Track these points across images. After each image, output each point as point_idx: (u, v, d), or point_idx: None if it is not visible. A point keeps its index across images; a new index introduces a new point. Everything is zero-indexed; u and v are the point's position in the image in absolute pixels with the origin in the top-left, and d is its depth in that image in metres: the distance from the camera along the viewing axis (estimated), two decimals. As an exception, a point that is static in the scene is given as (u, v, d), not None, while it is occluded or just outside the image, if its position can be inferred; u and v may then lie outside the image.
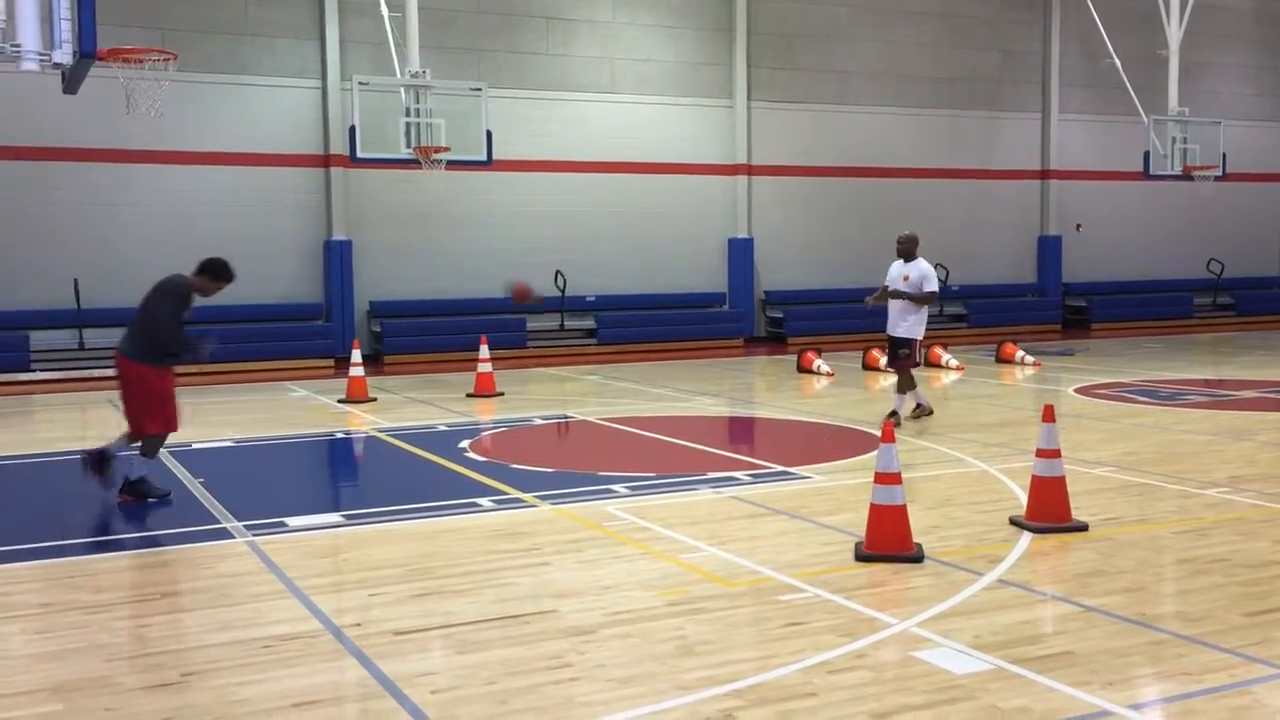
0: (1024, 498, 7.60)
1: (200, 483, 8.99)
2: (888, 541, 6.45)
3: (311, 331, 19.25)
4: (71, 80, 10.31)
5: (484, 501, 8.20)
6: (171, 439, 11.20)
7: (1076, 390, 14.34)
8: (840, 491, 8.35)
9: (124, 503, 8.25)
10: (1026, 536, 6.90)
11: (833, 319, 22.62)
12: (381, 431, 11.73)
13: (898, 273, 11.89)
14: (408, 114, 16.97)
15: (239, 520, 7.64)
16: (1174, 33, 22.35)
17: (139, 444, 8.41)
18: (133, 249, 18.33)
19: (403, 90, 17.11)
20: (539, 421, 12.45)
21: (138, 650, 5.12)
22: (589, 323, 21.41)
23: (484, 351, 14.81)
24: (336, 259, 19.48)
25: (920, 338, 11.83)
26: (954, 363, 17.26)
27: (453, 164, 17.54)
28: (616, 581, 6.09)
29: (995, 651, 4.92)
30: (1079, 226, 25.66)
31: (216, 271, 8.72)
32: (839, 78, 23.40)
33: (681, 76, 22.07)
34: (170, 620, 5.55)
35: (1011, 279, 25.21)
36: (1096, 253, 25.89)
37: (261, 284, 19.18)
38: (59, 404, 14.85)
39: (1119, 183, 25.47)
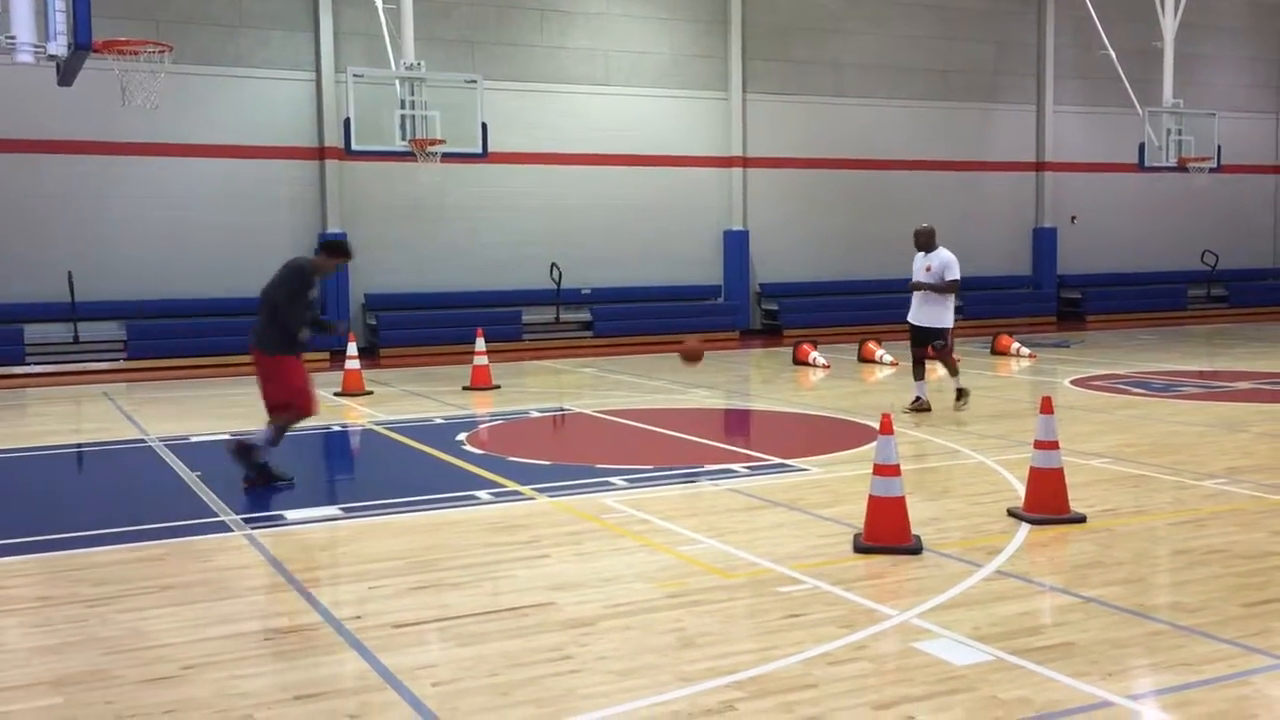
0: (1021, 489, 7.62)
1: (197, 475, 8.97)
2: (886, 533, 6.46)
3: (306, 324, 19.20)
4: (66, 72, 10.26)
5: (482, 494, 8.19)
6: (169, 431, 11.24)
7: (1072, 382, 14.36)
8: (838, 483, 8.36)
9: (249, 487, 8.42)
10: (1024, 528, 6.91)
11: (828, 311, 22.67)
12: (378, 424, 11.72)
13: (920, 264, 11.97)
14: (402, 106, 16.92)
15: (237, 513, 7.64)
16: (1169, 24, 22.35)
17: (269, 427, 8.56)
18: (127, 242, 18.31)
19: (397, 82, 17.07)
20: (535, 414, 12.45)
21: (137, 643, 5.11)
22: (584, 315, 21.40)
23: (480, 344, 14.79)
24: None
25: (950, 325, 11.92)
26: (925, 364, 17.20)
27: (448, 156, 17.50)
28: (616, 574, 6.09)
29: (995, 643, 4.93)
30: (1074, 218, 25.69)
31: (334, 249, 8.87)
32: (833, 70, 23.39)
33: (676, 68, 22.05)
34: (169, 613, 5.54)
35: (1006, 271, 25.24)
36: (1091, 244, 25.93)
37: (255, 277, 18.88)
38: (54, 397, 14.81)
39: (1113, 174, 25.51)
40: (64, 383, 16.26)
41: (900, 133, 23.96)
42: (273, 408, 8.56)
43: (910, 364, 12.30)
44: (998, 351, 17.87)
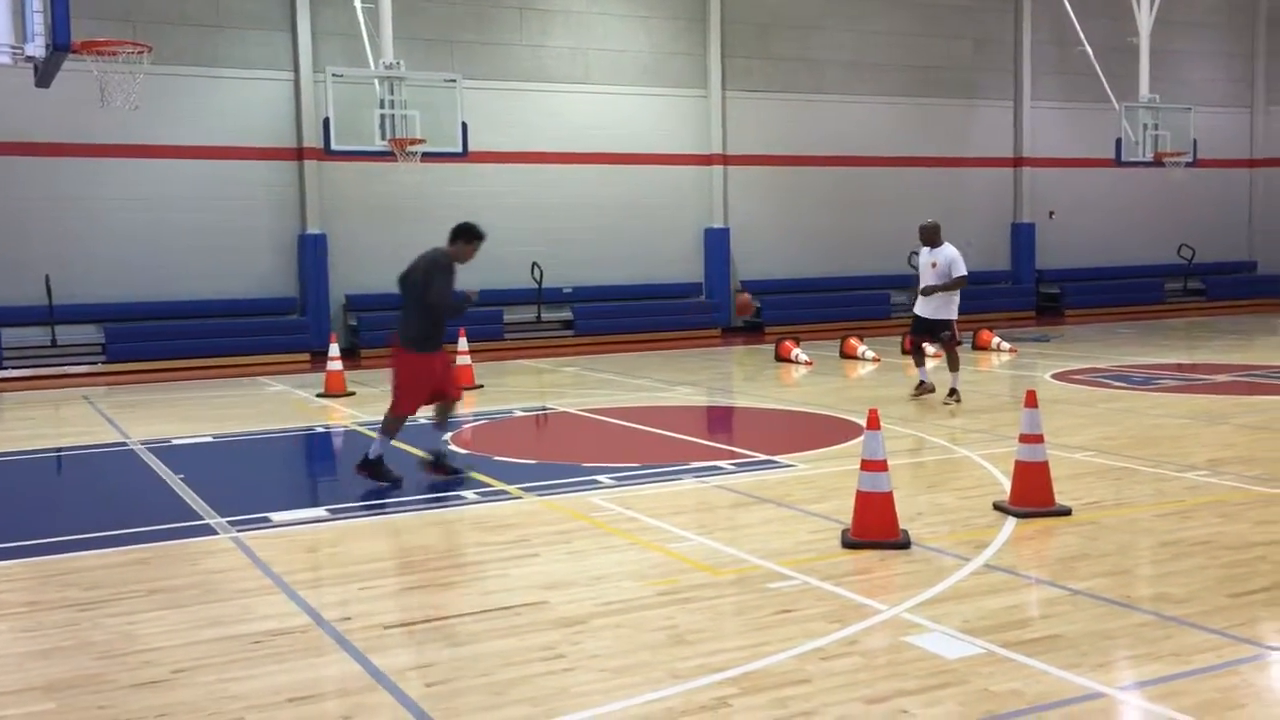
0: (1006, 483, 7.66)
1: (181, 479, 8.92)
2: (874, 528, 6.48)
3: (287, 326, 19.14)
4: (44, 74, 10.19)
5: (469, 494, 8.18)
6: (150, 435, 11.17)
7: (1053, 376, 14.45)
8: (824, 479, 8.38)
9: (363, 475, 8.49)
10: (1011, 521, 6.95)
11: (810, 308, 22.72)
12: (362, 425, 11.68)
13: (926, 260, 12.20)
14: (382, 106, 16.87)
15: (222, 516, 7.59)
16: (1144, 19, 22.52)
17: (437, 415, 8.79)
18: (105, 245, 18.18)
19: (377, 82, 17.01)
20: (519, 413, 12.43)
21: (128, 647, 5.08)
22: (566, 314, 21.38)
23: (462, 344, 14.76)
24: (311, 252, 19.36)
25: (955, 317, 12.18)
26: (930, 350, 17.29)
27: (428, 156, 17.47)
28: (606, 572, 6.09)
29: (985, 635, 4.96)
30: (1051, 214, 25.83)
31: (468, 234, 8.89)
32: (813, 67, 23.44)
33: (656, 66, 22.05)
34: (158, 617, 5.51)
35: (986, 266, 25.33)
36: (1069, 239, 26.08)
37: (235, 278, 19.06)
38: (32, 402, 14.69)
39: (1091, 169, 25.65)
40: (42, 387, 16.14)
41: (880, 129, 24.04)
42: (410, 402, 8.69)
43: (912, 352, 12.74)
44: (979, 347, 17.95)
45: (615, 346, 20.24)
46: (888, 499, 6.51)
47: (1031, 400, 7.21)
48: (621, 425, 11.44)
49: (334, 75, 16.92)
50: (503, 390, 14.36)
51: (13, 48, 9.30)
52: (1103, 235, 26.45)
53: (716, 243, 22.58)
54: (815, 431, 10.88)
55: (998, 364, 16.33)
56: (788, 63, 23.19)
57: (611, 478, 8.57)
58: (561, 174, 21.28)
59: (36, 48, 9.29)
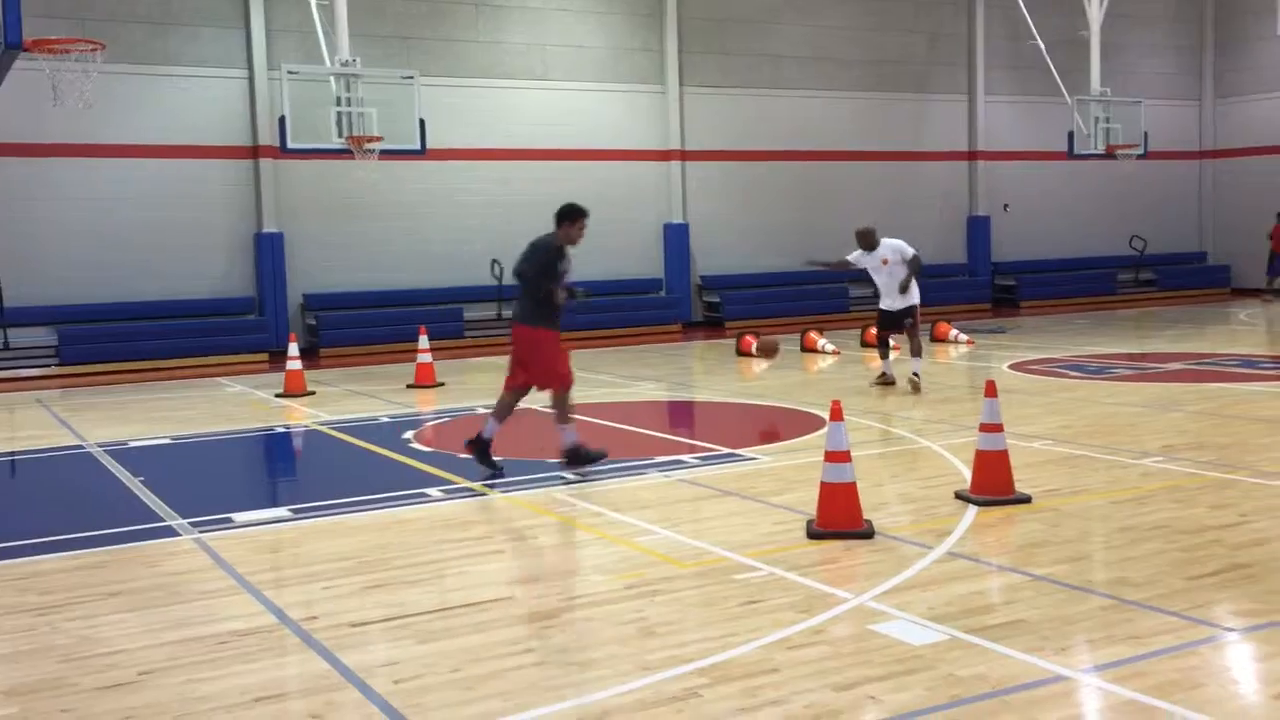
0: (967, 472, 7.74)
1: (140, 481, 8.82)
2: (839, 518, 6.54)
3: (244, 326, 18.97)
4: (-7, 72, 10.03)
5: (433, 491, 8.15)
6: (108, 437, 11.04)
7: (1010, 366, 14.61)
8: (787, 471, 8.44)
9: (566, 465, 8.56)
10: (972, 510, 7.03)
11: (770, 302, 22.82)
12: (323, 425, 11.61)
13: (875, 260, 12.52)
14: (338, 103, 16.73)
15: (184, 518, 7.52)
16: (1094, 14, 22.81)
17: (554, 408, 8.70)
18: (56, 246, 17.93)
19: (333, 79, 16.88)
20: (482, 410, 12.38)
21: (91, 650, 5.02)
22: (526, 311, 21.30)
23: (423, 342, 14.71)
24: (268, 252, 19.20)
25: (918, 302, 12.60)
26: (891, 342, 17.43)
27: (385, 153, 17.35)
28: (572, 566, 6.11)
29: (950, 622, 5.02)
30: (1006, 206, 26.10)
31: (570, 215, 8.77)
32: (769, 62, 23.53)
33: (613, 62, 22.05)
34: (122, 620, 5.45)
35: (943, 259, 25.57)
36: (1023, 231, 26.36)
37: (191, 279, 18.86)
38: (-15, 405, 14.46)
39: (1044, 162, 25.95)
40: (-5, 390, 15.88)
41: (837, 124, 24.18)
42: (538, 382, 8.67)
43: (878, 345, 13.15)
44: (936, 339, 18.12)
45: (576, 342, 20.20)
46: (851, 489, 6.56)
47: (991, 390, 7.29)
48: (583, 421, 11.42)
49: (289, 73, 16.75)
50: (465, 388, 14.32)
51: (-39, 46, 9.15)
52: (1057, 227, 26.77)
53: (676, 238, 22.62)
54: (777, 425, 10.95)
55: (955, 356, 16.49)
56: (744, 58, 23.27)
57: (575, 473, 8.57)
58: (520, 170, 21.23)
59: (-14, 46, 9.15)
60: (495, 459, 8.66)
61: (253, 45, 19.01)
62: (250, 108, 19.14)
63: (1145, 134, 23.35)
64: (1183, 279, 27.63)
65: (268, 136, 18.78)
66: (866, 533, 6.49)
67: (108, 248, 18.31)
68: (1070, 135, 22.93)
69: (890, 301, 12.57)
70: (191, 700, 4.43)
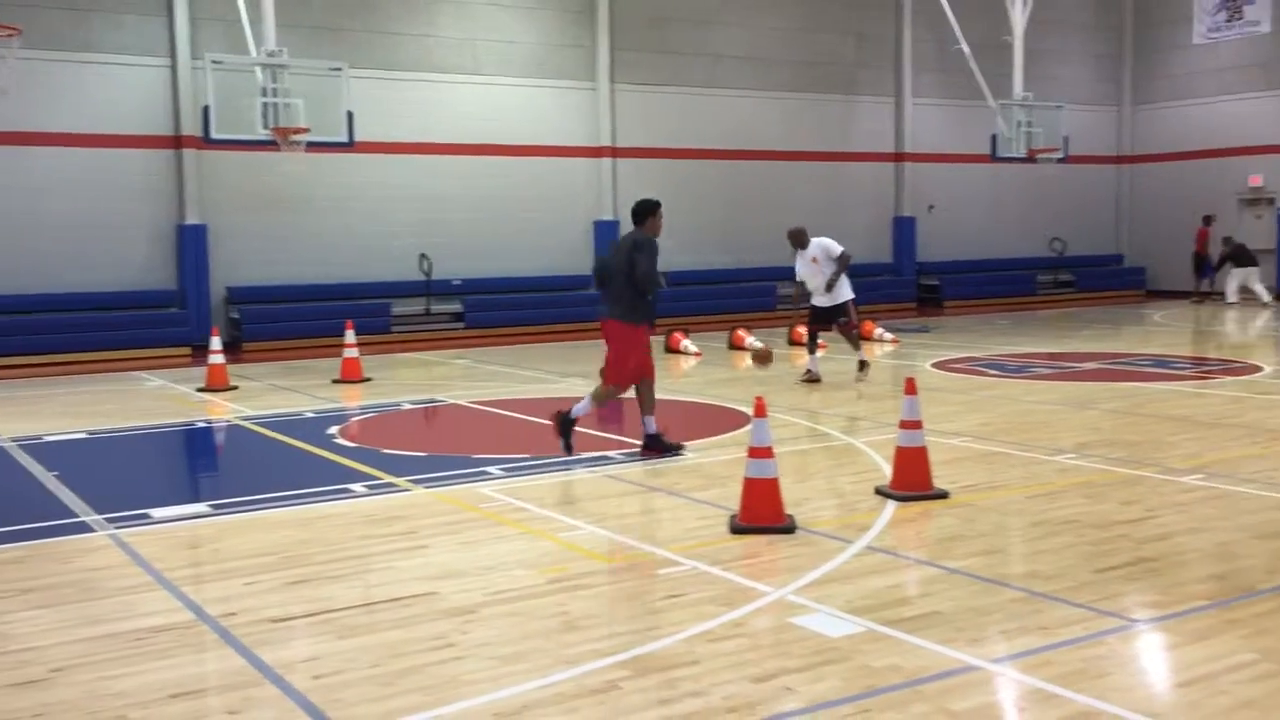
0: (888, 469, 7.88)
1: (55, 476, 8.64)
2: (761, 514, 6.62)
3: (165, 319, 18.61)
4: (-98, 55, 9.74)
5: (356, 487, 8.10)
6: (21, 432, 10.79)
7: (933, 365, 14.87)
8: (712, 467, 8.51)
9: (646, 456, 8.86)
10: (892, 505, 7.16)
11: (699, 300, 22.93)
12: (245, 420, 11.45)
13: (806, 258, 12.89)
14: (264, 94, 16.51)
15: (99, 513, 7.39)
16: (1018, 19, 23.26)
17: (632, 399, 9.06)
18: (-30, 234, 17.44)
19: (258, 69, 16.64)
20: (408, 406, 12.32)
21: (3, 648, 4.91)
22: (455, 306, 21.22)
23: (349, 337, 14.56)
24: (191, 244, 18.87)
25: (851, 298, 13.00)
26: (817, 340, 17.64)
27: (313, 145, 17.16)
28: (496, 561, 6.11)
29: (867, 614, 5.12)
30: (931, 207, 26.52)
31: (649, 210, 9.22)
32: (701, 61, 23.65)
33: (545, 58, 22.00)
34: (33, 616, 5.34)
35: (869, 258, 25.88)
36: (948, 233, 26.81)
37: (110, 271, 18.48)
38: (-108, 399, 14.02)
39: (969, 165, 26.40)
40: (-97, 383, 15.42)
41: (767, 124, 24.37)
42: (619, 375, 8.98)
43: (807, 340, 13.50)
44: (862, 337, 18.33)
45: (505, 339, 20.19)
46: (774, 485, 6.65)
47: (911, 388, 7.43)
48: (512, 417, 11.43)
49: (213, 62, 16.48)
50: (391, 383, 14.22)
51: None
52: (980, 229, 27.26)
53: (607, 235, 22.61)
54: (703, 421, 11.03)
55: (880, 354, 16.73)
56: (676, 56, 23.36)
57: (502, 469, 8.58)
58: (450, 165, 21.10)
59: (-106, 28, 8.87)
60: (571, 441, 8.87)
61: (176, 33, 18.66)
62: (173, 97, 18.79)
63: (1065, 138, 23.88)
64: (1100, 280, 28.30)
65: (191, 126, 18.45)
66: (788, 528, 6.58)
67: (23, 238, 17.86)
68: (993, 138, 23.38)
69: (820, 299, 12.88)
70: (105, 697, 4.36)
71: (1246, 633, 4.82)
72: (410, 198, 20.73)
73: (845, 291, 12.90)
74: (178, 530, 7.04)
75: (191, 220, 18.87)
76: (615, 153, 22.71)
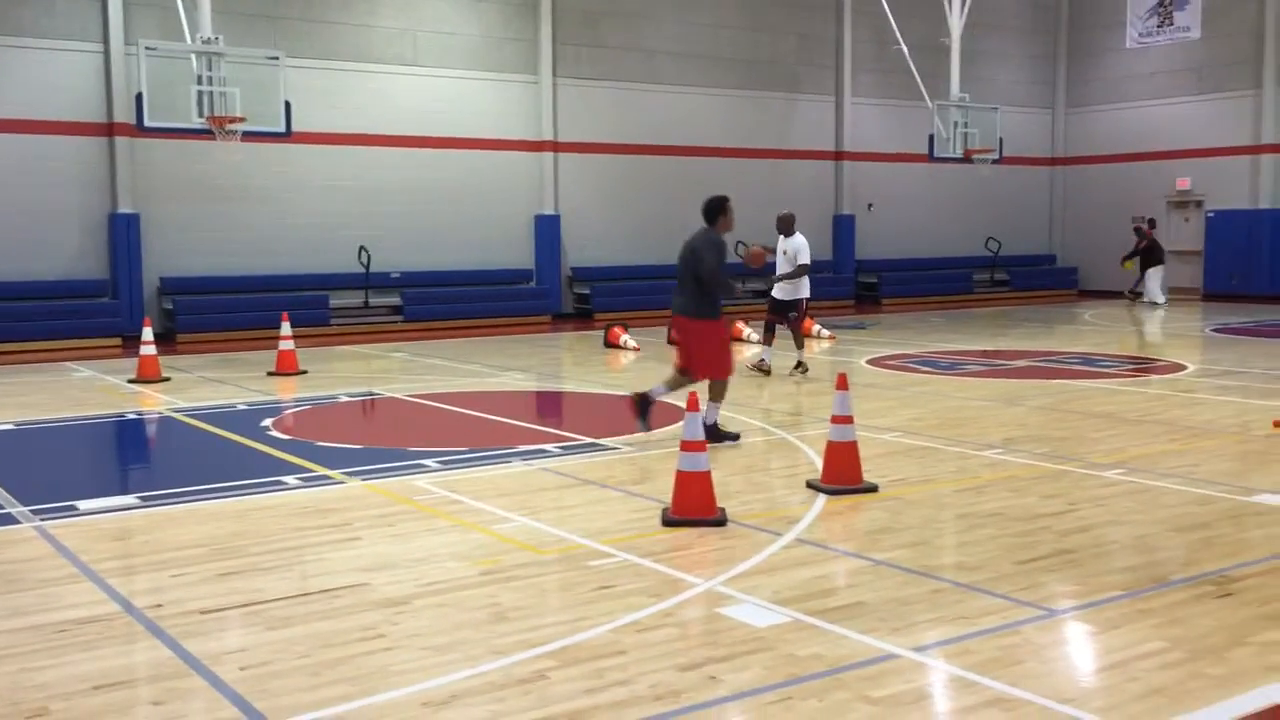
0: (820, 463, 7.99)
1: (-21, 468, 8.49)
2: (693, 506, 6.69)
3: (96, 309, 18.32)
4: None
5: (290, 479, 8.05)
6: (-56, 423, 10.57)
7: (868, 361, 15.07)
8: (647, 461, 8.58)
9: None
10: (822, 498, 7.27)
11: (639, 295, 23.01)
12: (177, 412, 11.32)
13: (779, 249, 13.55)
14: (200, 82, 16.27)
15: (24, 505, 7.28)
16: (955, 21, 23.59)
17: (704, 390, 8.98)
18: (-108, 221, 17.02)
19: (194, 57, 16.40)
20: (345, 399, 12.25)
21: (-82, 641, 4.85)
22: (394, 299, 21.11)
23: (285, 329, 14.43)
24: (123, 233, 18.57)
25: (806, 297, 13.63)
26: (755, 336, 17.82)
27: (249, 135, 16.95)
28: (429, 553, 6.12)
29: (793, 605, 5.21)
30: (870, 206, 26.82)
31: (719, 208, 9.22)
32: (644, 56, 23.72)
33: (487, 51, 21.93)
34: (-47, 609, 5.27)
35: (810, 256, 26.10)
36: (886, 231, 27.14)
37: (40, 260, 18.14)
38: None
39: (907, 164, 26.75)
40: None
41: (709, 120, 24.50)
42: (703, 369, 9.11)
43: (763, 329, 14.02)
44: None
45: (445, 332, 20.12)
46: (706, 478, 6.72)
47: (842, 383, 7.55)
48: (450, 410, 11.41)
49: (146, 48, 16.21)
50: (328, 376, 14.11)
51: None
52: (918, 228, 27.63)
53: (547, 229, 22.64)
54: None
55: (818, 350, 16.92)
56: (618, 52, 23.40)
57: (437, 462, 8.57)
58: (390, 157, 20.97)
59: None
60: (649, 420, 9.15)
61: (109, 18, 18.35)
62: (106, 83, 18.47)
63: (1001, 140, 24.27)
64: (1034, 280, 28.82)
65: (124, 114, 18.16)
66: (719, 520, 6.66)
67: (-51, 225, 17.46)
68: (931, 138, 23.70)
69: (776, 290, 13.60)
70: (27, 689, 4.32)
71: (1158, 622, 4.98)
72: (349, 189, 20.57)
73: (803, 291, 13.53)
74: (105, 522, 6.96)
75: (124, 209, 18.57)
76: (557, 147, 22.70)
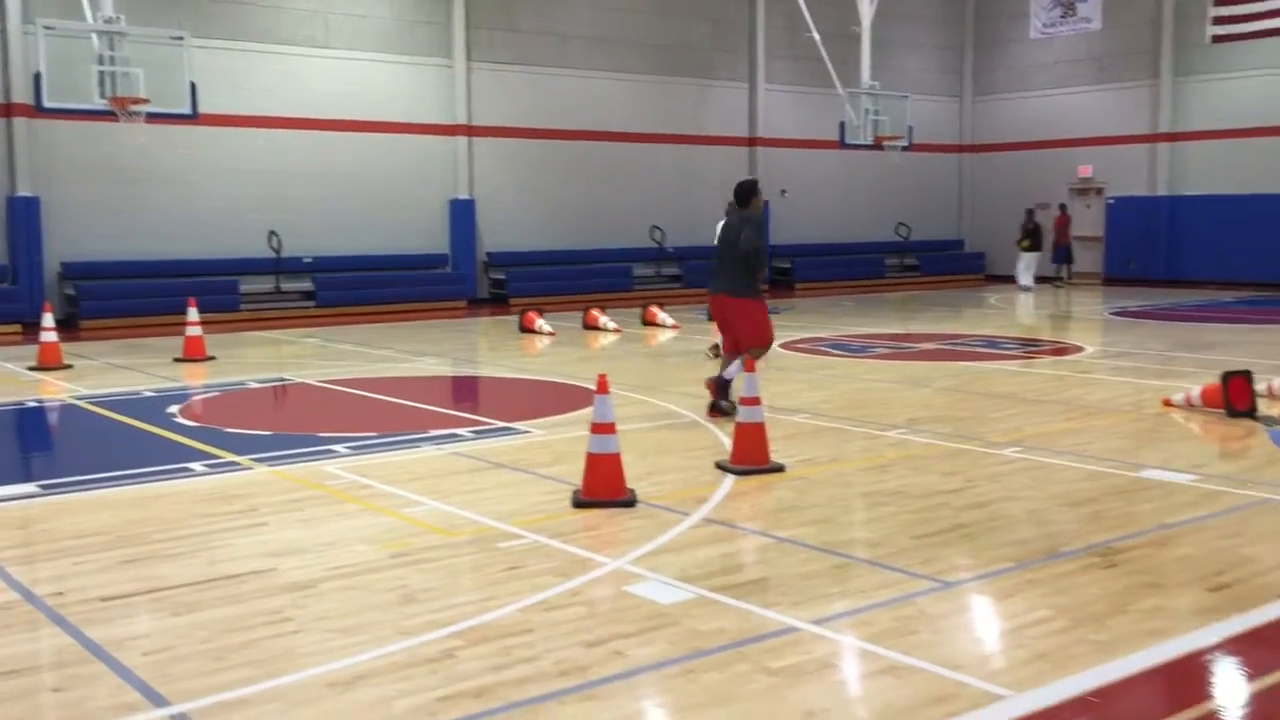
0: (730, 444, 8.12)
1: None
2: (603, 488, 6.77)
3: (-6, 295, 17.80)
4: None
5: (196, 466, 7.96)
6: None
7: (781, 345, 15.26)
8: (560, 444, 8.64)
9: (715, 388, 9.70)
10: (730, 479, 7.40)
11: (555, 280, 23.04)
12: (80, 399, 11.08)
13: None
14: (101, 62, 15.88)
15: (-82, 495, 7.10)
16: (866, 10, 23.94)
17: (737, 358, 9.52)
18: None
19: (95, 36, 16.00)
20: (254, 385, 12.10)
21: None
22: (306, 284, 20.84)
23: (192, 314, 14.19)
24: (21, 217, 18.06)
25: None
26: (669, 321, 17.98)
27: (153, 116, 16.61)
28: (337, 538, 6.12)
29: (698, 582, 5.32)
30: (783, 192, 27.11)
31: (754, 189, 9.72)
32: (558, 41, 23.66)
33: (399, 34, 21.70)
34: None
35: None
36: (799, 217, 27.46)
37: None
38: None
39: (819, 151, 27.09)
40: None
41: (624, 105, 24.54)
42: (743, 341, 9.52)
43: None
44: (714, 318, 18.72)
45: (358, 318, 19.93)
46: (615, 460, 6.81)
47: (750, 366, 7.70)
48: (362, 396, 11.35)
49: (45, 27, 15.78)
50: (237, 362, 13.92)
51: None
52: (830, 213, 28.01)
53: (462, 214, 22.52)
54: (554, 399, 11.16)
55: (731, 334, 17.09)
56: (532, 36, 23.32)
57: (348, 447, 8.54)
58: (301, 140, 20.67)
59: None
60: (727, 400, 9.55)
61: (5, -5, 17.79)
62: (3, 63, 17.92)
63: (910, 127, 24.71)
64: (943, 265, 29.42)
65: (22, 94, 17.65)
66: (629, 501, 6.75)
67: None
68: (842, 125, 24.03)
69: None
70: (-80, 680, 4.25)
71: (1046, 591, 5.19)
72: (259, 172, 20.23)
73: None
74: (4, 511, 6.82)
75: (23, 192, 18.05)
76: (471, 131, 22.57)
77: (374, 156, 21.49)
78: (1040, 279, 26.61)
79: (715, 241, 13.47)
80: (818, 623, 4.82)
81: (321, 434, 9.08)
